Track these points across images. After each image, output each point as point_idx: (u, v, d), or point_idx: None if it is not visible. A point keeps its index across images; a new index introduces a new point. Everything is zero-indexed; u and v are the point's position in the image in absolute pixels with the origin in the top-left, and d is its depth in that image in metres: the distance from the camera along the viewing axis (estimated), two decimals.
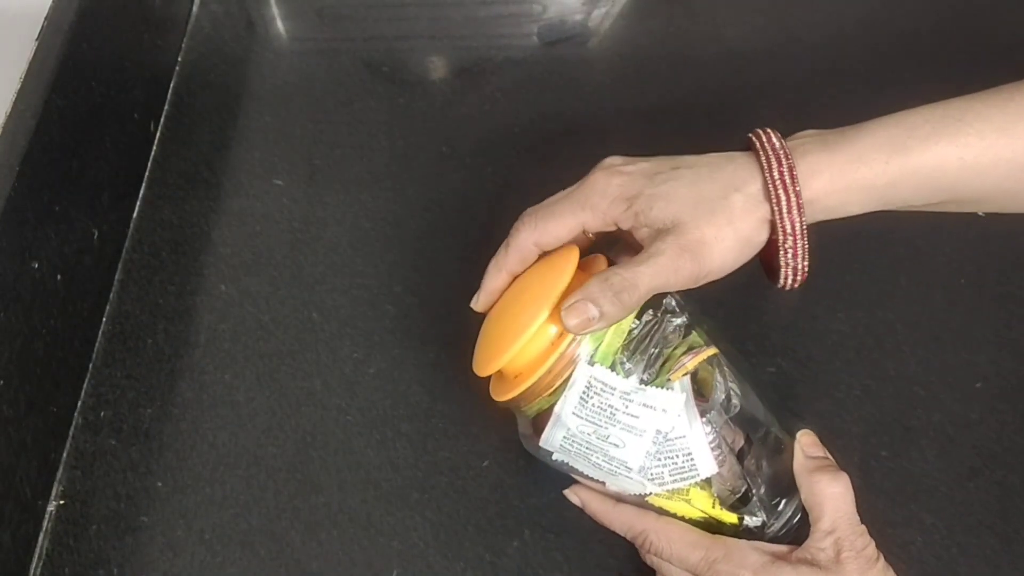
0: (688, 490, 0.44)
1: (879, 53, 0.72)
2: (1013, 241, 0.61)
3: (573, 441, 0.44)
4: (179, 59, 0.74)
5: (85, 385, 0.57)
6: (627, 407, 0.43)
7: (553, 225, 0.46)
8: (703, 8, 0.76)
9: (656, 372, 0.43)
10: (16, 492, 0.49)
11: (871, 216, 0.63)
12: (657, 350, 0.44)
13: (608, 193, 0.45)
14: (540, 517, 0.51)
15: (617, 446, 0.43)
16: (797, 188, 0.43)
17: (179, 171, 0.67)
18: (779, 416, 0.47)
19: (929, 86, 0.70)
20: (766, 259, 0.46)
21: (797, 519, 0.46)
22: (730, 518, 0.45)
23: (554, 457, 0.45)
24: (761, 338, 0.57)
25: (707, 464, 0.43)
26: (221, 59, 0.74)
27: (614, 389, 0.42)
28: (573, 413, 0.43)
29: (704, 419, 0.43)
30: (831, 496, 0.43)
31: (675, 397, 0.42)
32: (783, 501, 0.45)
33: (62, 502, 0.53)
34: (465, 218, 0.64)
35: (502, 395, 0.45)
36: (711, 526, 0.45)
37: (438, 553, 0.50)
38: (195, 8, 0.78)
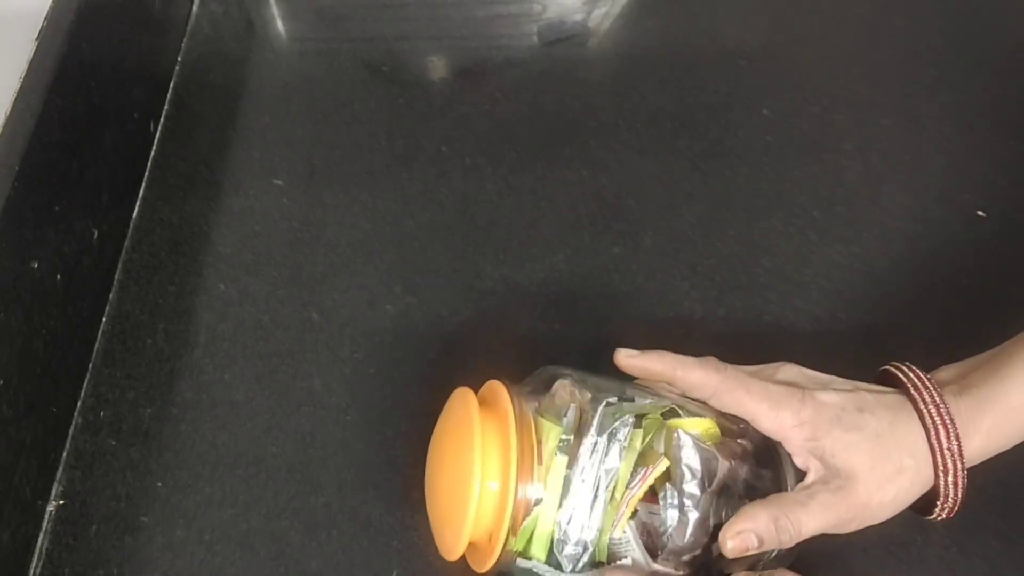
0: None
1: (880, 52, 0.72)
2: (1013, 241, 0.61)
3: None
4: (179, 59, 0.74)
5: (85, 385, 0.57)
6: None
7: (733, 397, 0.45)
8: (703, 8, 0.76)
9: (599, 529, 0.42)
10: (16, 492, 0.49)
11: (871, 217, 0.63)
12: (602, 493, 0.42)
13: (799, 417, 0.45)
14: None
15: None
16: (963, 457, 0.44)
17: (179, 171, 0.67)
18: (753, 442, 0.46)
19: (930, 85, 0.70)
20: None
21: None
22: None
23: None
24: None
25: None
26: (221, 59, 0.74)
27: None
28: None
29: (660, 558, 0.43)
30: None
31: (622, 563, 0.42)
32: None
33: (62, 502, 0.53)
34: (465, 218, 0.64)
35: (479, 566, 0.45)
36: None
37: (438, 553, 0.50)
38: (195, 8, 0.78)
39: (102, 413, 0.56)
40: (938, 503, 0.45)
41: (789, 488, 0.45)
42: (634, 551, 0.42)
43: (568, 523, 0.42)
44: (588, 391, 0.45)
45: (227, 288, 0.61)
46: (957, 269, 0.60)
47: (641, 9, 0.76)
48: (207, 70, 0.73)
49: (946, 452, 0.44)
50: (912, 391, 0.46)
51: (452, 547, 0.44)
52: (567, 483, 0.42)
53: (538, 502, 0.42)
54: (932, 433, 0.44)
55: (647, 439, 0.44)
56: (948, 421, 0.45)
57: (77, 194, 0.57)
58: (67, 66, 0.56)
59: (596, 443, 0.42)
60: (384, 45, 0.75)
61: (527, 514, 0.42)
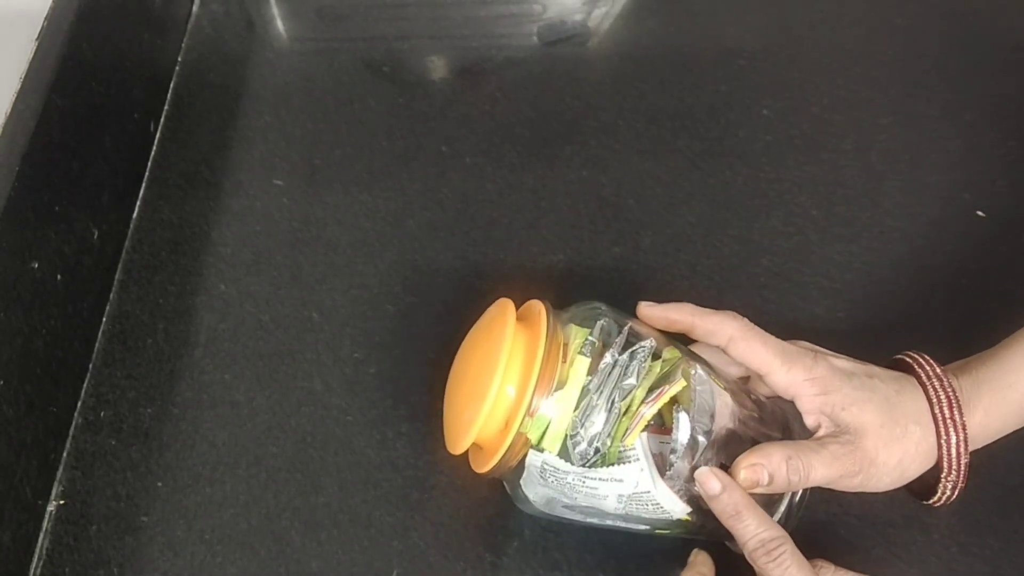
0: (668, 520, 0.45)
1: (879, 52, 0.72)
2: (1013, 241, 0.61)
3: (544, 503, 0.45)
4: (179, 59, 0.74)
5: (85, 385, 0.57)
6: (584, 483, 0.43)
7: (750, 346, 0.47)
8: (703, 8, 0.76)
9: (611, 436, 0.43)
10: (16, 492, 0.49)
11: (871, 216, 0.63)
12: (617, 403, 0.43)
13: (812, 373, 0.46)
14: (540, 517, 0.51)
15: (588, 503, 0.44)
16: (963, 425, 0.46)
17: (179, 171, 0.67)
18: (763, 409, 0.47)
19: (930, 85, 0.70)
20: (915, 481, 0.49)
21: (798, 514, 0.46)
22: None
23: (537, 507, 0.46)
24: None
25: (677, 508, 0.44)
26: (221, 59, 0.74)
27: (567, 472, 0.43)
28: (538, 485, 0.44)
29: (667, 475, 0.43)
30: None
31: (629, 469, 0.42)
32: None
33: (62, 502, 0.53)
34: (465, 218, 0.64)
35: (479, 467, 0.46)
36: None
37: (438, 553, 0.50)
38: (195, 8, 0.78)
39: (102, 413, 0.56)
40: (942, 477, 0.46)
41: None
42: (641, 463, 0.42)
43: (582, 423, 0.43)
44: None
45: (227, 288, 0.61)
46: (957, 269, 0.60)
47: (641, 9, 0.76)
48: (207, 70, 0.73)
49: (948, 422, 0.46)
50: (916, 368, 0.48)
51: (458, 440, 0.45)
52: (586, 387, 0.43)
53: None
54: (935, 404, 0.46)
55: (664, 371, 0.45)
56: (951, 394, 0.46)
57: (77, 194, 0.57)
58: (67, 66, 0.56)
59: (617, 360, 0.44)
60: (384, 45, 0.75)
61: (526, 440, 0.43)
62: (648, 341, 0.45)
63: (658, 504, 0.43)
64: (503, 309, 0.46)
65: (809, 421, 0.46)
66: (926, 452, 0.46)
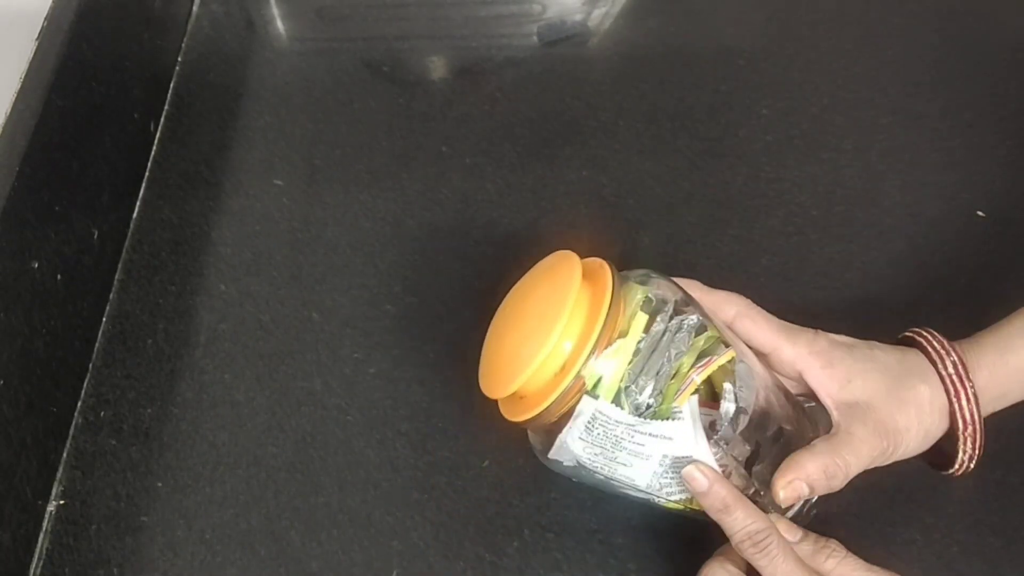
0: (693, 498, 0.44)
1: (879, 52, 0.72)
2: (1013, 241, 0.61)
3: (580, 463, 0.44)
4: (179, 59, 0.74)
5: (85, 385, 0.57)
6: (632, 437, 0.43)
7: (755, 323, 0.48)
8: (703, 8, 0.76)
9: (662, 394, 0.43)
10: (16, 492, 0.49)
11: (870, 216, 0.63)
12: (666, 366, 0.43)
13: (814, 347, 0.48)
14: (540, 517, 0.51)
15: (624, 466, 0.43)
16: (970, 380, 0.46)
17: (179, 171, 0.67)
18: (795, 404, 0.47)
19: (930, 85, 0.70)
20: (932, 450, 0.49)
21: (811, 511, 0.46)
22: None
23: (565, 465, 0.46)
24: None
25: None
26: (221, 59, 0.74)
27: (619, 423, 0.43)
28: (579, 439, 0.43)
29: (712, 440, 0.43)
30: None
31: (680, 427, 0.42)
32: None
33: (62, 502, 0.53)
34: (465, 218, 0.64)
35: (514, 416, 0.45)
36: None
37: (438, 553, 0.50)
38: (195, 8, 0.78)
39: (102, 413, 0.56)
40: (959, 433, 0.47)
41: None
42: (688, 422, 0.42)
43: (637, 377, 0.43)
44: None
45: (227, 288, 0.61)
46: (957, 269, 0.60)
47: (641, 9, 0.76)
48: (207, 70, 0.73)
49: (955, 379, 0.46)
50: (918, 339, 0.49)
51: (501, 385, 0.44)
52: (638, 345, 0.43)
53: (599, 380, 0.43)
54: (940, 365, 0.47)
55: (707, 345, 0.45)
56: (955, 355, 0.47)
57: (77, 194, 0.57)
58: (67, 66, 0.56)
59: (668, 326, 0.44)
60: (384, 45, 0.75)
61: (574, 397, 0.43)
62: (695, 316, 0.45)
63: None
64: (569, 263, 0.45)
65: (824, 399, 0.47)
66: (940, 410, 0.47)
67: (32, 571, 0.50)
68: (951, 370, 0.47)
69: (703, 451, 0.43)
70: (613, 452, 0.43)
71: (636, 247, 0.62)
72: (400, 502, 0.52)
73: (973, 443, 0.47)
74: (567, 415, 0.43)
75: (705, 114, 0.69)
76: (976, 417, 0.46)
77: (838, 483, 0.45)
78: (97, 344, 0.59)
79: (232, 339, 0.58)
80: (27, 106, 0.53)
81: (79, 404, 0.56)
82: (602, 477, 0.45)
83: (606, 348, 0.43)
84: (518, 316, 0.46)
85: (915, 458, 0.48)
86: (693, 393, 0.43)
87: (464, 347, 0.57)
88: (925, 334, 0.48)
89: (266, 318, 0.59)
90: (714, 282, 0.57)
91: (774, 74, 0.71)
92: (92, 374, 0.57)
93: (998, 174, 0.65)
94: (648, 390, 0.43)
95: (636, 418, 0.42)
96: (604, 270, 0.45)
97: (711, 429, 0.44)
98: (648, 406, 0.43)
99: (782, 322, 0.48)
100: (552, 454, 0.45)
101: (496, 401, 0.47)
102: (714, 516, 0.44)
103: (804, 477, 0.44)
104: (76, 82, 0.57)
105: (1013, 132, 0.67)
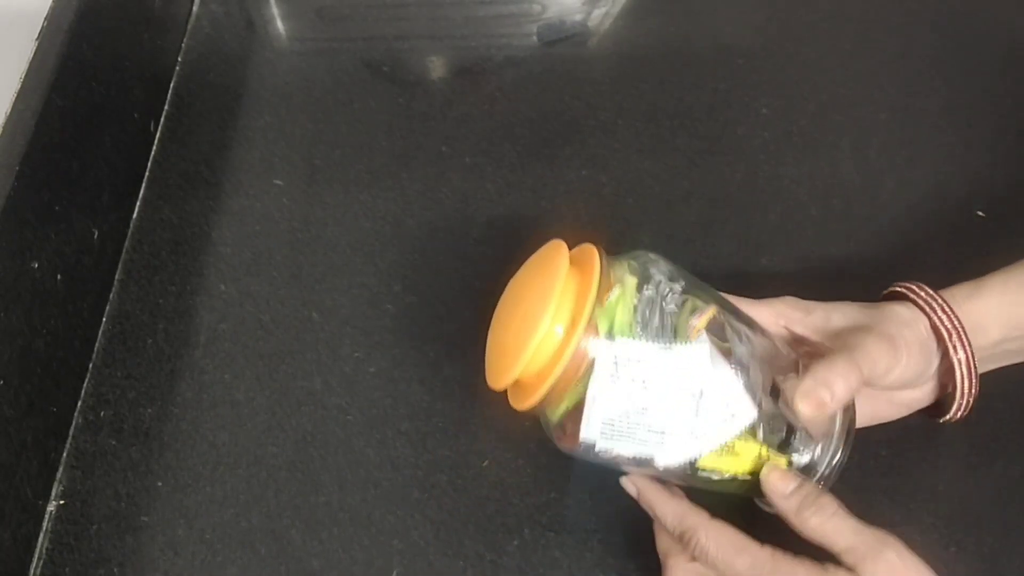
0: (734, 444, 0.44)
1: (877, 50, 0.72)
2: (1013, 241, 0.61)
3: (612, 424, 0.44)
4: (179, 59, 0.74)
5: (85, 385, 0.57)
6: (656, 373, 0.43)
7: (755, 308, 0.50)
8: (703, 8, 0.76)
9: (672, 337, 0.44)
10: (16, 492, 0.49)
11: (869, 215, 0.63)
12: (664, 320, 0.44)
13: (787, 303, 0.50)
14: (540, 516, 0.51)
15: (656, 414, 0.43)
16: (959, 320, 0.47)
17: (179, 171, 0.67)
18: (795, 357, 0.48)
19: (928, 83, 0.70)
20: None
21: (842, 458, 0.46)
22: (779, 460, 0.45)
23: (597, 448, 0.45)
24: None
25: (745, 408, 0.44)
26: (221, 59, 0.74)
27: (640, 359, 0.43)
28: (606, 394, 0.43)
29: (732, 364, 0.44)
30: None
31: (700, 349, 0.43)
32: (822, 442, 0.46)
33: (62, 502, 0.53)
34: (465, 218, 0.64)
35: (524, 403, 0.45)
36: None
37: (438, 552, 0.50)
38: (195, 8, 0.78)
39: (102, 413, 0.56)
40: (951, 355, 0.47)
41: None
42: (706, 346, 0.43)
43: (644, 318, 0.44)
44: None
45: (227, 288, 0.61)
46: (957, 269, 0.60)
47: (641, 9, 0.76)
48: (207, 70, 0.73)
49: (931, 300, 0.48)
50: (903, 290, 0.50)
51: (501, 376, 0.45)
52: (635, 303, 0.44)
53: (592, 362, 0.43)
54: (912, 292, 0.49)
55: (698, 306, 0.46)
56: (933, 292, 0.48)
57: (77, 194, 0.57)
58: (67, 66, 0.56)
59: (659, 290, 0.45)
60: (384, 45, 0.75)
61: (578, 372, 0.43)
62: (682, 283, 0.46)
63: (726, 403, 0.43)
64: (557, 251, 0.46)
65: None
66: (926, 330, 0.47)
67: (32, 571, 0.50)
68: (924, 293, 0.48)
69: (727, 374, 0.43)
70: (642, 399, 0.43)
71: (635, 245, 0.61)
72: (400, 501, 0.52)
73: (968, 384, 0.48)
74: (585, 378, 0.43)
75: (704, 113, 0.69)
76: (970, 358, 0.47)
77: (854, 382, 0.44)
78: (97, 344, 0.59)
79: (232, 339, 0.58)
80: (27, 106, 0.53)
81: (79, 404, 0.56)
82: (638, 440, 0.44)
83: (604, 304, 0.44)
84: (513, 308, 0.47)
85: (916, 413, 0.49)
86: (699, 332, 0.44)
87: (464, 347, 0.57)
88: (913, 287, 0.49)
89: (266, 318, 0.59)
90: (713, 281, 0.57)
91: (773, 73, 0.71)
92: (92, 374, 0.58)
93: (998, 173, 0.65)
94: (656, 332, 0.44)
95: (656, 347, 0.43)
96: (591, 252, 0.46)
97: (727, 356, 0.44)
98: (664, 329, 0.44)
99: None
100: (583, 435, 0.44)
101: (507, 398, 0.47)
102: (650, 513, 0.46)
103: (822, 381, 0.43)
104: (76, 82, 0.57)
105: (1012, 131, 0.67)
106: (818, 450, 0.46)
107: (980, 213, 0.63)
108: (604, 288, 0.44)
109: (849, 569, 0.41)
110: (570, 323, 0.43)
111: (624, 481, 0.47)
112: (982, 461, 0.49)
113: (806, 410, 0.43)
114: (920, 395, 0.50)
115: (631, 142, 0.67)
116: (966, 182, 0.64)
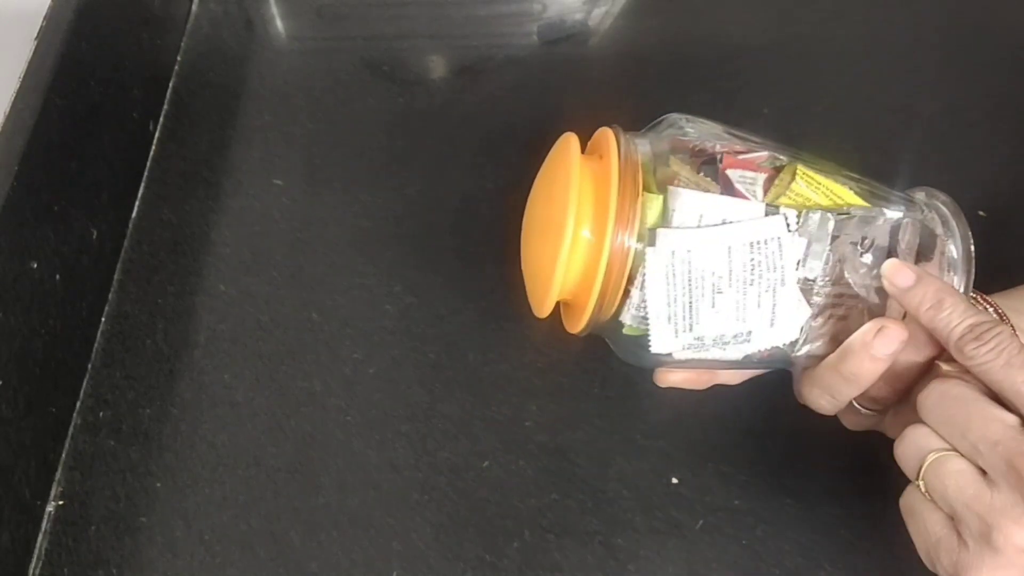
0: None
1: (880, 52, 0.72)
2: (1013, 241, 0.61)
3: (670, 314, 0.38)
4: (178, 59, 0.74)
5: (84, 385, 0.57)
6: (718, 262, 0.38)
7: None
8: (704, 7, 0.76)
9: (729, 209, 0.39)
10: (15, 493, 0.49)
11: None
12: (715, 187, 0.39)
13: None
14: (540, 518, 0.51)
15: (730, 309, 0.38)
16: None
17: (178, 171, 0.67)
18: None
19: (931, 85, 0.70)
20: None
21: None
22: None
23: (676, 357, 0.40)
24: None
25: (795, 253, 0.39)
26: (220, 59, 0.74)
27: (691, 247, 0.38)
28: (662, 295, 0.38)
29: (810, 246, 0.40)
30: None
31: (776, 219, 0.38)
32: None
33: (61, 503, 0.53)
34: (465, 218, 0.64)
35: (579, 322, 0.40)
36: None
37: (438, 554, 0.50)
38: (194, 8, 0.77)
39: (101, 413, 0.56)
40: None
41: None
42: (781, 216, 0.39)
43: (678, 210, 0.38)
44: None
45: (227, 288, 0.61)
46: None
47: (641, 8, 0.76)
48: (207, 69, 0.73)
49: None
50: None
51: (542, 302, 0.40)
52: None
53: (639, 253, 0.38)
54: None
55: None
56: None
57: (76, 194, 0.57)
58: (66, 66, 0.56)
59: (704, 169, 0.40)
60: (384, 45, 0.75)
61: (623, 270, 0.38)
62: (725, 140, 0.41)
63: (779, 252, 0.38)
64: (566, 146, 0.40)
65: None
66: None
67: (31, 572, 0.50)
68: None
69: (818, 250, 0.39)
70: (708, 295, 0.38)
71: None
72: (400, 503, 0.52)
73: None
74: (640, 281, 0.38)
75: (705, 113, 0.68)
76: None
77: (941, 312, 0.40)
78: (96, 344, 0.59)
79: (232, 339, 0.58)
80: (26, 106, 0.53)
81: (78, 404, 0.56)
82: (727, 325, 0.39)
83: (628, 238, 0.38)
84: (535, 228, 0.42)
85: None
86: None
87: (464, 347, 0.57)
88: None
89: (266, 318, 0.59)
90: None
91: (775, 73, 0.71)
92: (91, 374, 0.57)
93: (998, 174, 0.64)
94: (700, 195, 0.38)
95: (710, 228, 0.37)
96: (607, 136, 0.40)
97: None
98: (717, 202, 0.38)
99: None
100: (653, 343, 0.39)
101: (566, 328, 0.42)
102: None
103: (908, 266, 0.41)
104: (75, 82, 0.57)
105: (1014, 132, 0.67)
106: None
107: (981, 213, 0.62)
108: (628, 174, 0.39)
109: None
110: (596, 222, 0.38)
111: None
112: None
113: (889, 272, 0.41)
114: None
115: None
116: (967, 183, 0.64)
